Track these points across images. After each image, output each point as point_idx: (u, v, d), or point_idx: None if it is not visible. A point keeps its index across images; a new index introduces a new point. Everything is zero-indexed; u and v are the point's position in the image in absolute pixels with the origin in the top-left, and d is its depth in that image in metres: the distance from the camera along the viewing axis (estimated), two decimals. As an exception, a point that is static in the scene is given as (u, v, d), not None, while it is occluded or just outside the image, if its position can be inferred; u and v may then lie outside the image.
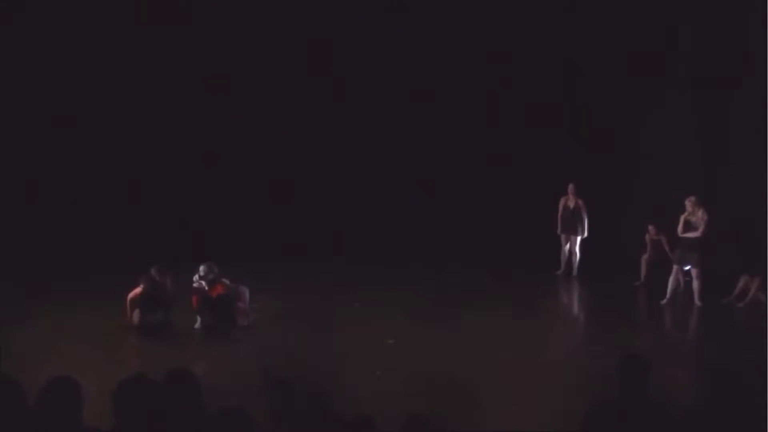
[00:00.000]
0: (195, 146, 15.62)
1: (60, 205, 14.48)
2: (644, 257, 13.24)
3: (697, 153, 14.01)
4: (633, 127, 14.83)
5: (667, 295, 12.09)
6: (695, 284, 12.02)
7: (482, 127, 15.78)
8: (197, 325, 10.57)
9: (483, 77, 15.55)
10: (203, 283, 10.55)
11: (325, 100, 15.87)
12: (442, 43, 15.63)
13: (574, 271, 13.88)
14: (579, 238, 13.81)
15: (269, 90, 15.87)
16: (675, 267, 12.17)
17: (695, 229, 11.81)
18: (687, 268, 12.15)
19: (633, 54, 14.41)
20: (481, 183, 15.63)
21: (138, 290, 10.53)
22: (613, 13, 14.41)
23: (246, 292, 10.74)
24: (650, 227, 13.16)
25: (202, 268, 10.59)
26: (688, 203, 11.88)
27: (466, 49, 15.57)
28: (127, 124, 15.31)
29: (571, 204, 13.77)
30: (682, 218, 11.93)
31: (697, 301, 11.95)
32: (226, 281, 10.68)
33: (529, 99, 15.38)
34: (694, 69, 13.93)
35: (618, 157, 14.77)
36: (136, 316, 10.47)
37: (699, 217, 11.77)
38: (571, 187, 13.80)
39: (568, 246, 13.92)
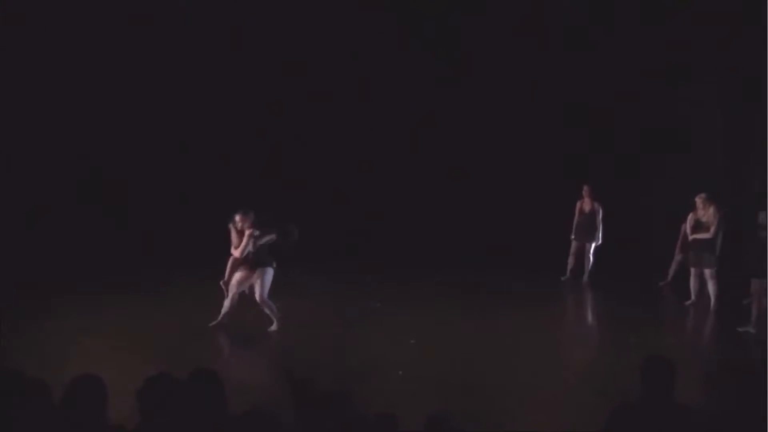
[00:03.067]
0: (216, 146, 15.74)
1: (85, 204, 14.62)
2: (678, 257, 12.76)
3: (724, 152, 13.89)
4: (655, 126, 14.77)
5: (692, 297, 11.93)
6: (710, 286, 11.67)
7: (502, 125, 15.76)
8: (214, 322, 10.54)
9: (504, 75, 15.51)
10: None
11: (340, 99, 15.90)
12: (447, 43, 15.61)
13: (586, 276, 13.43)
14: (593, 245, 13.37)
15: (286, 91, 15.93)
16: (693, 270, 11.87)
17: (706, 229, 11.52)
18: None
19: (658, 51, 14.33)
20: (505, 183, 15.57)
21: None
22: (636, 9, 14.32)
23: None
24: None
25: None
26: (699, 201, 11.54)
27: (485, 45, 15.53)
28: (151, 125, 15.42)
29: (587, 208, 13.34)
30: (691, 217, 11.65)
31: (712, 306, 11.66)
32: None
33: (555, 99, 15.32)
34: (721, 67, 13.81)
35: (640, 158, 14.71)
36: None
37: (710, 215, 11.46)
38: (586, 189, 13.33)
39: (575, 251, 13.48)
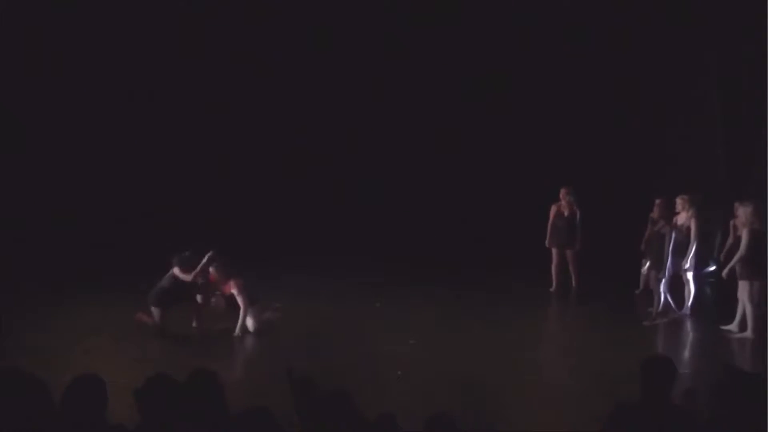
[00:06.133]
0: (216, 144, 15.76)
1: (86, 203, 14.63)
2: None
3: (723, 155, 13.86)
4: (654, 127, 14.77)
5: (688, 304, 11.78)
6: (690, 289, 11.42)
7: (502, 125, 15.76)
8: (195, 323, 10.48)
9: (502, 75, 15.51)
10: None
11: (352, 98, 15.91)
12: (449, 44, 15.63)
13: (574, 286, 12.79)
14: (574, 252, 12.63)
15: (293, 88, 15.95)
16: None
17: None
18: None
19: (657, 53, 14.33)
20: (506, 183, 15.56)
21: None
22: (636, 11, 14.31)
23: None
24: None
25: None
26: (680, 201, 11.22)
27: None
28: (150, 125, 15.43)
29: (566, 212, 12.53)
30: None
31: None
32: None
33: (554, 101, 15.31)
34: (720, 68, 13.80)
35: (640, 159, 14.69)
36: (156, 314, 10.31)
37: (687, 217, 11.21)
38: (564, 191, 12.52)
39: (558, 261, 12.76)
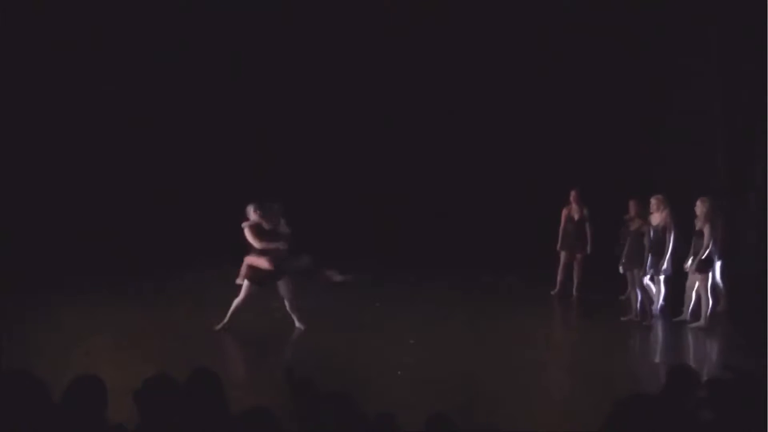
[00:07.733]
0: (222, 147, 15.77)
1: (88, 204, 14.63)
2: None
3: (725, 153, 13.86)
4: (654, 126, 14.78)
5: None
6: (663, 291, 11.28)
7: (504, 126, 15.77)
8: (219, 326, 10.48)
9: (500, 74, 15.51)
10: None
11: (344, 101, 15.92)
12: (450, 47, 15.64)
13: (575, 291, 12.70)
14: (583, 255, 12.52)
15: (286, 90, 15.95)
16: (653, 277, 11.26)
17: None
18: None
19: (657, 53, 14.33)
20: (507, 183, 15.56)
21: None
22: (636, 10, 14.31)
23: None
24: None
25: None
26: (654, 201, 11.07)
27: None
28: (153, 122, 15.44)
29: (576, 215, 12.45)
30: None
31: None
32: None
33: (560, 103, 15.30)
34: (720, 67, 13.81)
35: (640, 159, 14.70)
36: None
37: (662, 218, 11.05)
38: (574, 194, 12.44)
39: (566, 264, 12.67)
